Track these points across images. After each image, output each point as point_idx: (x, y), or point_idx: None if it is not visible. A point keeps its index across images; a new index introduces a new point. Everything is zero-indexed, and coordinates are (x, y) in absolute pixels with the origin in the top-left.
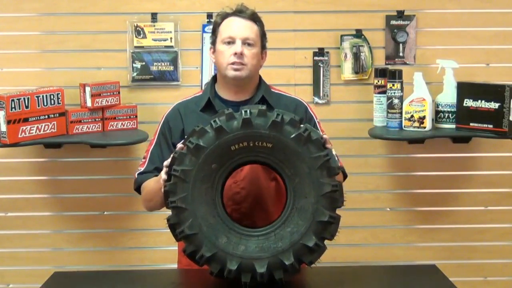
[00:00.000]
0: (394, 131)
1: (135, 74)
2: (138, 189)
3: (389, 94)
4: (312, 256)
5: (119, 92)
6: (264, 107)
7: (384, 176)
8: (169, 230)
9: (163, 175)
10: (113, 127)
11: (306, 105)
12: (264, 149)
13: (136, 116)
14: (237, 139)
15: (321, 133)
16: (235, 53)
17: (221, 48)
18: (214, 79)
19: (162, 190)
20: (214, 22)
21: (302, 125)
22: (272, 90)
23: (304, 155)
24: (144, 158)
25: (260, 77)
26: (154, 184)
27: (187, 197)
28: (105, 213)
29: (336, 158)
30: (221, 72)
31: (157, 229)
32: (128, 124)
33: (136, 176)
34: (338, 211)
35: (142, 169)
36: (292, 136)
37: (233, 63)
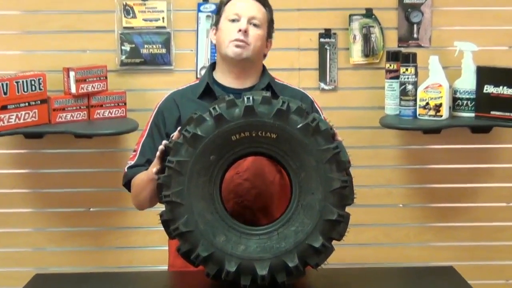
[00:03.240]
0: (408, 120)
1: (124, 57)
2: (127, 184)
3: (402, 79)
4: (318, 257)
5: (106, 77)
6: (268, 94)
7: (396, 169)
8: (161, 228)
9: (155, 164)
10: (99, 115)
11: (312, 99)
12: (268, 139)
13: (125, 104)
14: (238, 129)
15: (329, 123)
16: (239, 30)
17: (224, 25)
18: (212, 66)
19: (154, 181)
20: (220, 2)
21: (310, 115)
22: (276, 80)
23: (311, 147)
24: (135, 151)
25: (264, 67)
26: (144, 176)
27: (183, 191)
28: (91, 209)
29: None
30: (221, 52)
31: (148, 227)
32: (116, 112)
33: (126, 170)
34: (347, 208)
35: (132, 162)
36: (298, 126)
37: (236, 40)
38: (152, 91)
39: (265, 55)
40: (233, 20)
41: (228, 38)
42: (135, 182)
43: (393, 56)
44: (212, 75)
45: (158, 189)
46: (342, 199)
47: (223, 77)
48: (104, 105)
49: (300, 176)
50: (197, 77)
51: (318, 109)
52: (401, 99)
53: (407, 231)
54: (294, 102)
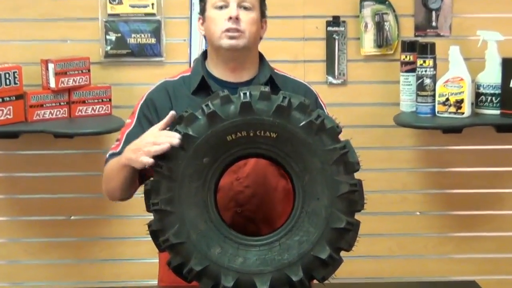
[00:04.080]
0: (425, 118)
1: (108, 48)
2: None
3: (419, 72)
4: (325, 270)
5: (89, 70)
6: (267, 88)
7: (412, 173)
8: (150, 239)
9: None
10: (82, 112)
11: (316, 93)
12: (267, 139)
13: (110, 100)
14: (234, 128)
15: (336, 121)
16: (230, 18)
17: (211, 14)
18: (204, 56)
19: (128, 167)
20: None
21: (314, 111)
22: (276, 71)
23: (316, 147)
24: (118, 140)
25: (261, 54)
26: (118, 160)
27: (173, 198)
28: (72, 217)
29: None
30: (213, 44)
31: (136, 237)
32: (101, 109)
33: (108, 156)
34: (357, 216)
35: (116, 151)
36: (301, 124)
37: (227, 30)
38: (140, 85)
39: (261, 38)
40: (221, 7)
41: (219, 28)
42: (108, 166)
43: (409, 47)
44: (205, 66)
45: (146, 195)
46: (351, 205)
47: (217, 69)
48: (86, 101)
49: (304, 180)
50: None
51: (322, 104)
52: (418, 95)
53: (424, 242)
54: (296, 97)
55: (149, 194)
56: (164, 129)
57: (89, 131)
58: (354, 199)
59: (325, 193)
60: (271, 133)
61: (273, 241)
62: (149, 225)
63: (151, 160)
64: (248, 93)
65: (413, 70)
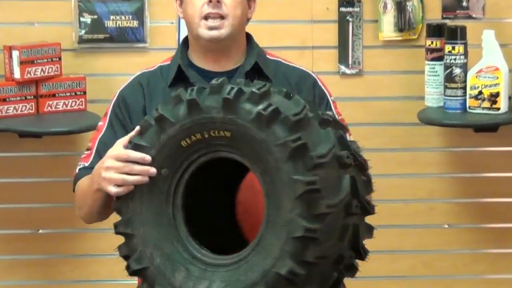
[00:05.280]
0: (455, 114)
1: (83, 32)
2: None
3: (448, 61)
4: None
5: (60, 58)
6: (221, 80)
7: (440, 179)
8: None
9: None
10: (51, 108)
11: (315, 77)
12: (222, 140)
13: (85, 93)
14: (185, 131)
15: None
16: (210, 1)
17: None
18: (185, 42)
19: (100, 191)
20: None
21: (266, 100)
22: (268, 56)
23: (269, 142)
24: (89, 149)
25: (249, 36)
26: (87, 181)
27: (133, 218)
28: (40, 231)
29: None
30: (192, 32)
31: (114, 254)
32: (73, 103)
33: (78, 171)
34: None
35: (87, 163)
36: (251, 117)
37: (207, 17)
38: (120, 76)
39: (248, 19)
40: None
41: (198, 14)
42: (79, 189)
43: (436, 31)
44: (186, 55)
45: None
46: (312, 207)
47: (198, 57)
48: (57, 95)
49: (266, 183)
50: None
51: (325, 90)
52: (446, 87)
53: (454, 260)
54: (251, 85)
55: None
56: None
57: (60, 129)
58: (314, 198)
59: (284, 196)
60: (225, 132)
61: (241, 259)
62: (119, 248)
63: (120, 190)
64: (195, 89)
65: (440, 58)
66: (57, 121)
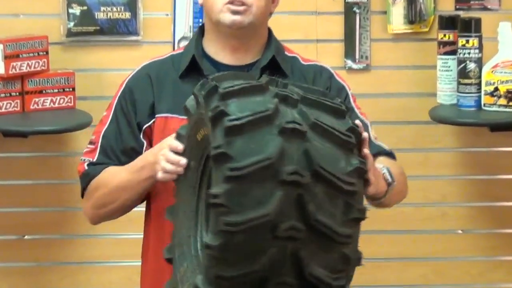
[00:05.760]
0: (469, 112)
1: (72, 24)
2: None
3: (461, 55)
4: None
5: (47, 53)
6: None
7: (453, 181)
8: (124, 264)
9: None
10: (38, 105)
11: (331, 70)
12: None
13: (74, 89)
14: (196, 124)
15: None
16: None
17: None
18: (201, 31)
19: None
20: None
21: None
22: (286, 52)
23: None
24: (93, 143)
25: (270, 32)
26: (125, 173)
27: (175, 208)
28: (26, 237)
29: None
30: (212, 17)
31: (105, 262)
32: (62, 101)
33: (86, 167)
34: (385, 236)
35: (92, 159)
36: (209, 114)
37: (231, 2)
38: (111, 71)
39: (271, 13)
40: None
41: (221, 0)
42: (107, 183)
43: (449, 23)
44: (201, 45)
45: None
46: (213, 222)
47: (215, 48)
48: (44, 91)
49: None
50: (174, 48)
51: (343, 82)
52: (459, 83)
53: (468, 267)
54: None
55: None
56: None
57: (47, 128)
58: (217, 213)
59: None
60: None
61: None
62: None
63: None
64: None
65: (453, 52)
66: (44, 120)
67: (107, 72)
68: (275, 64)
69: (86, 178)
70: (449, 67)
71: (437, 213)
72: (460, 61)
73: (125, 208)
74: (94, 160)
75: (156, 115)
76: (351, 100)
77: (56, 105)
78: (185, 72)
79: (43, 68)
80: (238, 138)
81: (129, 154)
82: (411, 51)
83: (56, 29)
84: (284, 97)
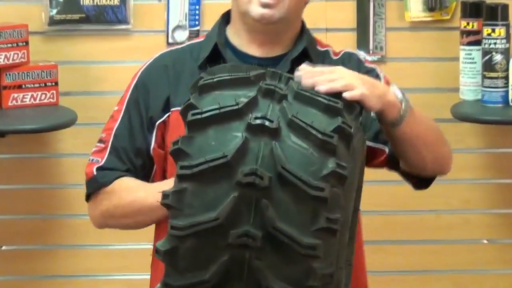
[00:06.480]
0: (495, 109)
1: (54, 12)
2: (92, 194)
3: (487, 46)
4: None
5: (27, 43)
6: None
7: (478, 185)
8: (117, 277)
9: None
10: (17, 101)
11: (358, 54)
12: None
13: (57, 84)
14: None
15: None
16: None
17: None
18: (226, 17)
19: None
20: None
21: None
22: (318, 47)
23: None
24: (103, 141)
25: (303, 24)
26: (148, 196)
27: None
28: (4, 248)
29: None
30: (239, 8)
31: (94, 275)
32: (43, 96)
33: (95, 172)
34: (395, 245)
35: (101, 160)
36: None
37: None
38: (97, 64)
39: (306, 3)
40: None
41: None
42: (121, 199)
43: (473, 10)
44: (225, 33)
45: None
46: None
47: (240, 39)
48: (24, 86)
49: None
50: (167, 37)
51: (372, 66)
52: (484, 77)
53: (495, 281)
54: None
55: None
56: None
57: (28, 127)
58: (171, 215)
59: None
60: None
61: None
62: None
63: None
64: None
65: (477, 43)
66: (24, 117)
67: (94, 64)
68: (307, 57)
69: (94, 184)
70: (473, 59)
71: (459, 220)
72: (485, 53)
73: (140, 227)
74: (103, 162)
75: (172, 109)
76: (382, 79)
77: (37, 101)
78: (205, 61)
79: (22, 60)
80: (200, 133)
81: (143, 155)
82: (431, 41)
83: (37, 16)
84: (269, 91)
